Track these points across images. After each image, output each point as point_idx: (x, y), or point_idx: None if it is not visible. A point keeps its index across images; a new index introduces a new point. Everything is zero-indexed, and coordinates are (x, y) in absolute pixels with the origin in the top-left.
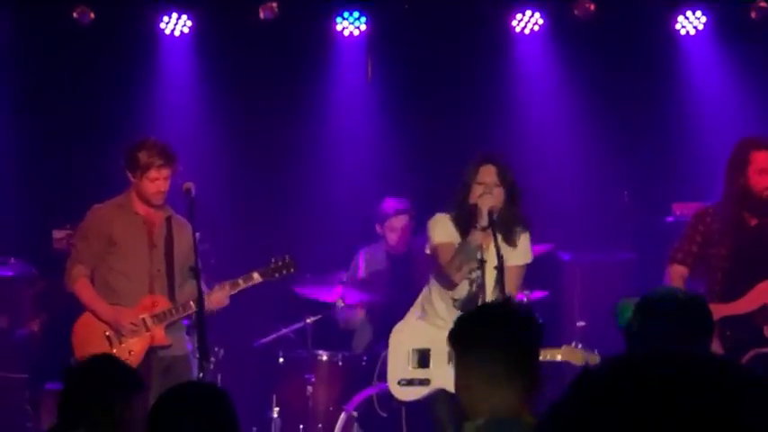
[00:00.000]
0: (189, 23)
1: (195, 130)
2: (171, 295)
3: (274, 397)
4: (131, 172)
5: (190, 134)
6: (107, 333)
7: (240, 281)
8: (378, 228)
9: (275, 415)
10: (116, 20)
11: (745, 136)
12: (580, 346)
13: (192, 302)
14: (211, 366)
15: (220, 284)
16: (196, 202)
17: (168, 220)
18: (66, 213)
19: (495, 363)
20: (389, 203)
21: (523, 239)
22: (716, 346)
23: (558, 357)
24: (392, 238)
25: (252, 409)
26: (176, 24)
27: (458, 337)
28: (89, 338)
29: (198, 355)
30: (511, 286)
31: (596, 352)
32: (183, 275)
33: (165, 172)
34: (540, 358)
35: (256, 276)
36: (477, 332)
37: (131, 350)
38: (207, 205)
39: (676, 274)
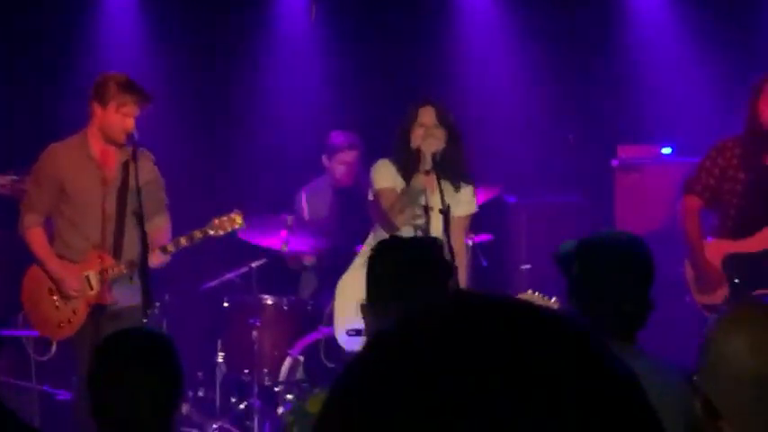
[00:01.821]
0: None
1: (140, 75)
2: (119, 247)
3: (219, 342)
4: (101, 104)
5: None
6: (52, 288)
7: (182, 240)
8: (325, 160)
9: (220, 359)
10: None
11: (686, 78)
12: (537, 293)
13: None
14: (156, 311)
15: (160, 246)
16: (138, 145)
17: (130, 160)
18: (8, 158)
19: None
20: (339, 136)
21: (468, 189)
22: (722, 286)
23: None
24: (340, 171)
25: (197, 353)
26: None
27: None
28: (36, 293)
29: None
30: (456, 234)
31: (555, 299)
32: (148, 213)
33: (138, 109)
34: None
35: (198, 234)
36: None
37: (75, 309)
38: (151, 149)
39: (690, 206)
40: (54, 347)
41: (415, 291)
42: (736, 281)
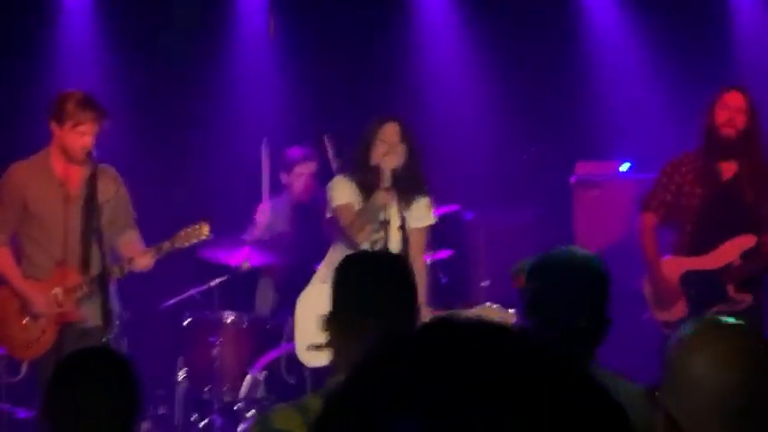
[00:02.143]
0: None
1: (96, 91)
2: (86, 264)
3: (180, 359)
4: (59, 123)
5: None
6: (20, 308)
7: (152, 250)
8: (283, 177)
9: (181, 377)
10: None
11: (644, 94)
12: (495, 305)
13: (116, 268)
14: (116, 330)
15: (145, 249)
16: (96, 164)
17: (91, 178)
18: None
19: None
20: (295, 151)
21: (425, 201)
22: (680, 303)
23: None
24: (298, 185)
25: (158, 371)
26: None
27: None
28: (4, 314)
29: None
30: (415, 249)
31: (513, 311)
32: (118, 229)
33: (96, 127)
34: None
35: (167, 246)
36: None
37: (44, 328)
38: (111, 165)
39: (646, 223)
40: (24, 368)
41: (379, 305)
42: (694, 297)
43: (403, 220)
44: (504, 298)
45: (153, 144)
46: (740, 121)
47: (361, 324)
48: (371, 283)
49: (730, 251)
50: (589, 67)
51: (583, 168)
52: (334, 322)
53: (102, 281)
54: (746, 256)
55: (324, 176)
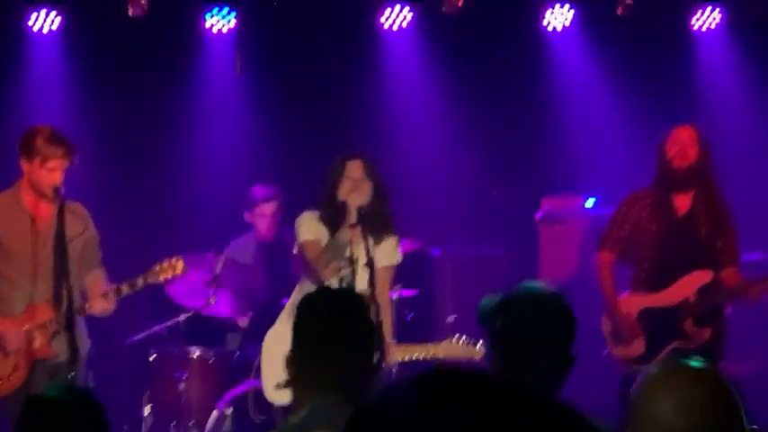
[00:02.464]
0: (58, 20)
1: (65, 129)
2: (58, 300)
3: (146, 394)
4: (27, 159)
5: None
6: None
7: (124, 287)
8: (246, 216)
9: (147, 412)
10: None
11: (610, 130)
12: (461, 340)
13: (83, 306)
14: (83, 366)
15: (103, 291)
16: (64, 200)
17: (60, 213)
18: None
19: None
20: (258, 190)
21: (391, 240)
22: (638, 339)
23: (441, 354)
24: (261, 224)
25: (123, 406)
26: (45, 21)
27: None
28: None
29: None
30: (381, 287)
31: (479, 346)
32: (85, 268)
33: (65, 162)
34: (423, 356)
35: (141, 282)
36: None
37: (16, 363)
38: (79, 201)
39: (603, 261)
40: None
41: (336, 345)
42: (652, 333)
43: (369, 256)
44: (471, 334)
45: (120, 180)
46: (691, 153)
47: (319, 365)
48: (328, 324)
49: (687, 287)
50: (555, 103)
51: (548, 204)
52: (293, 362)
53: (69, 316)
54: (703, 291)
55: (289, 214)
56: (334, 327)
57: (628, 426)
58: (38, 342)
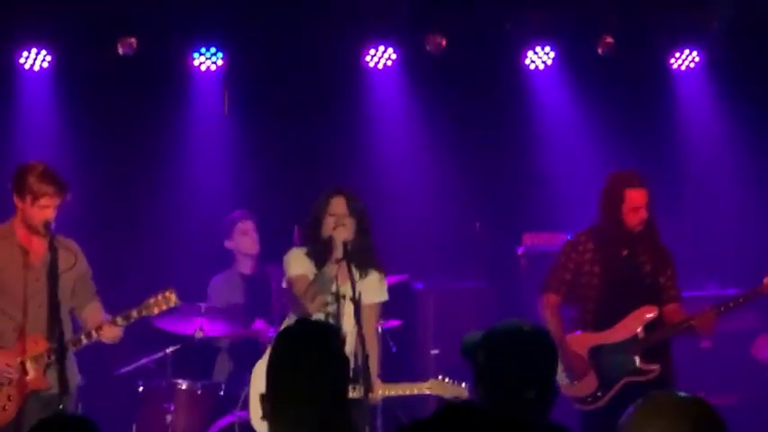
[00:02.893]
0: (48, 58)
1: (55, 164)
2: (52, 332)
3: (134, 426)
4: (20, 197)
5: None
6: None
7: (119, 319)
8: (228, 243)
9: None
10: None
11: (590, 167)
12: (448, 379)
13: (82, 336)
14: (73, 397)
15: (111, 320)
16: (55, 235)
17: (51, 246)
18: None
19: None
20: (235, 213)
21: (377, 276)
22: (590, 377)
23: (426, 391)
24: (243, 242)
25: None
26: (36, 59)
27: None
28: None
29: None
30: (367, 323)
31: (464, 385)
32: (79, 301)
33: (57, 200)
34: (409, 392)
35: (134, 314)
36: None
37: (10, 395)
38: (66, 235)
39: (549, 303)
40: None
41: (311, 379)
42: (603, 371)
43: (355, 291)
44: (454, 367)
45: (108, 215)
46: (644, 216)
47: (293, 400)
48: (302, 357)
49: (635, 323)
50: (537, 140)
51: (530, 239)
52: (268, 398)
53: (60, 348)
54: (650, 327)
55: (275, 251)
56: (309, 360)
57: None
58: (32, 373)
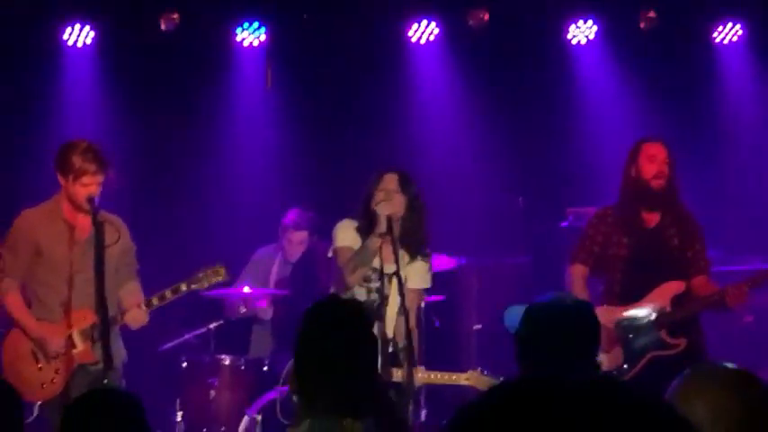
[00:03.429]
0: (92, 34)
1: (98, 141)
2: (105, 304)
3: (178, 401)
4: (63, 175)
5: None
6: (34, 350)
7: (168, 293)
8: (280, 232)
9: (179, 419)
10: (19, 31)
11: (632, 141)
12: (486, 373)
13: (118, 316)
14: (119, 372)
15: (145, 300)
16: (97, 211)
17: (97, 223)
18: None
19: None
20: (291, 217)
21: (424, 264)
22: (616, 350)
23: (464, 382)
24: (288, 249)
25: (156, 412)
26: (79, 35)
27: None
28: (17, 355)
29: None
30: (411, 304)
31: (501, 379)
32: (119, 278)
33: (99, 178)
34: (447, 382)
35: (184, 287)
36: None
37: (58, 368)
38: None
39: (577, 274)
40: (36, 410)
41: (340, 358)
42: (629, 344)
43: (399, 268)
44: (496, 341)
45: (152, 191)
46: (666, 173)
47: (321, 382)
48: (328, 338)
49: (661, 298)
50: (579, 112)
51: (573, 214)
52: (297, 377)
53: (103, 323)
54: (677, 301)
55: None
56: (337, 336)
57: None
58: (80, 346)
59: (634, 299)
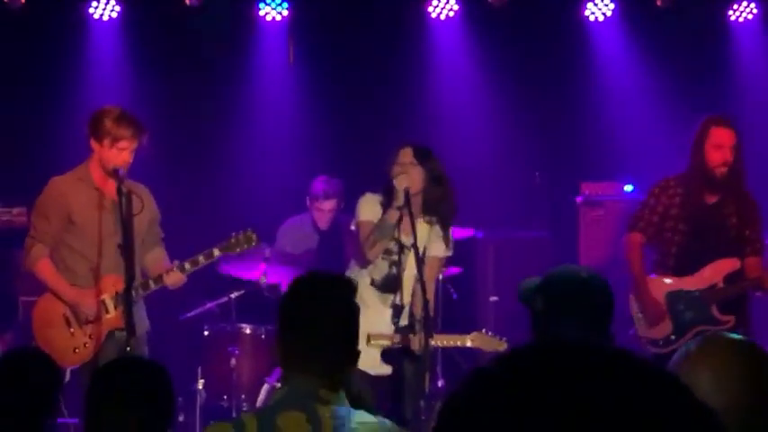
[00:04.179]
0: (117, 8)
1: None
2: (131, 272)
3: (199, 369)
4: (97, 140)
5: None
6: (66, 315)
7: (201, 257)
8: (308, 201)
9: (200, 386)
10: (46, 4)
11: (648, 118)
12: (490, 333)
13: (151, 282)
14: (142, 344)
15: (178, 264)
16: (124, 182)
17: (121, 192)
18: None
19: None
20: (320, 185)
21: (446, 234)
22: (665, 321)
23: (468, 343)
24: (319, 218)
25: (177, 380)
26: (105, 9)
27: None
28: (49, 321)
29: (127, 331)
30: (430, 274)
31: (504, 339)
32: (146, 246)
33: (134, 143)
34: (451, 344)
35: (216, 252)
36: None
37: (91, 333)
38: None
39: (634, 242)
40: (68, 375)
41: (322, 328)
42: (679, 316)
43: (416, 240)
44: (512, 313)
45: (177, 163)
46: (732, 159)
47: (302, 348)
48: (313, 307)
49: (714, 273)
50: (595, 88)
51: (588, 189)
52: (280, 343)
53: (127, 291)
54: (730, 278)
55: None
56: (319, 311)
57: None
58: (112, 313)
59: (688, 272)
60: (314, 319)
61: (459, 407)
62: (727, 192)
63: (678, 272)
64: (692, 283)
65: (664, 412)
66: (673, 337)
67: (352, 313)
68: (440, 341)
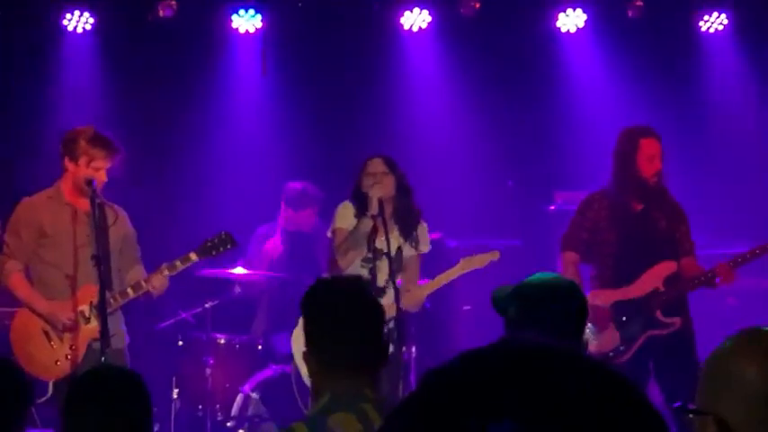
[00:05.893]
0: (91, 20)
1: (97, 126)
2: (108, 283)
3: (174, 379)
4: (72, 160)
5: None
6: (45, 329)
7: (178, 262)
8: (282, 206)
9: (175, 396)
10: (19, 17)
11: (619, 127)
12: (475, 254)
13: (129, 289)
14: (122, 353)
15: (158, 268)
16: (96, 194)
17: (94, 204)
18: None
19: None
20: (295, 193)
21: (421, 230)
22: (611, 332)
23: (461, 272)
24: (291, 223)
25: (152, 390)
26: (78, 21)
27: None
28: (28, 336)
29: (100, 341)
30: (410, 274)
31: (492, 251)
32: (125, 263)
33: (109, 162)
34: (446, 280)
35: (193, 256)
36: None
37: (72, 344)
38: (108, 197)
39: (569, 261)
40: (51, 388)
41: (352, 329)
42: (624, 325)
43: (390, 247)
44: (485, 322)
45: (148, 176)
46: (660, 168)
47: (335, 353)
48: (341, 310)
49: (653, 279)
50: (568, 98)
51: (561, 197)
52: (311, 353)
53: (101, 304)
54: (669, 281)
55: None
56: (347, 312)
57: (706, 391)
58: (92, 322)
59: (627, 281)
60: (349, 322)
61: (410, 406)
62: (653, 197)
63: (617, 283)
64: (633, 291)
65: (614, 410)
66: (622, 347)
67: (382, 312)
68: (434, 285)
